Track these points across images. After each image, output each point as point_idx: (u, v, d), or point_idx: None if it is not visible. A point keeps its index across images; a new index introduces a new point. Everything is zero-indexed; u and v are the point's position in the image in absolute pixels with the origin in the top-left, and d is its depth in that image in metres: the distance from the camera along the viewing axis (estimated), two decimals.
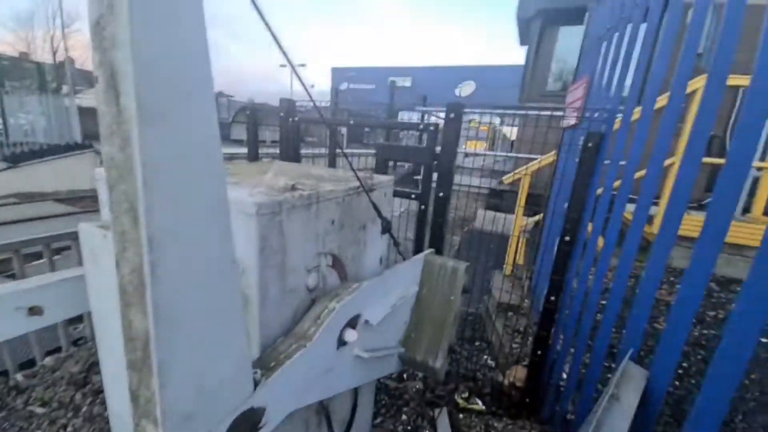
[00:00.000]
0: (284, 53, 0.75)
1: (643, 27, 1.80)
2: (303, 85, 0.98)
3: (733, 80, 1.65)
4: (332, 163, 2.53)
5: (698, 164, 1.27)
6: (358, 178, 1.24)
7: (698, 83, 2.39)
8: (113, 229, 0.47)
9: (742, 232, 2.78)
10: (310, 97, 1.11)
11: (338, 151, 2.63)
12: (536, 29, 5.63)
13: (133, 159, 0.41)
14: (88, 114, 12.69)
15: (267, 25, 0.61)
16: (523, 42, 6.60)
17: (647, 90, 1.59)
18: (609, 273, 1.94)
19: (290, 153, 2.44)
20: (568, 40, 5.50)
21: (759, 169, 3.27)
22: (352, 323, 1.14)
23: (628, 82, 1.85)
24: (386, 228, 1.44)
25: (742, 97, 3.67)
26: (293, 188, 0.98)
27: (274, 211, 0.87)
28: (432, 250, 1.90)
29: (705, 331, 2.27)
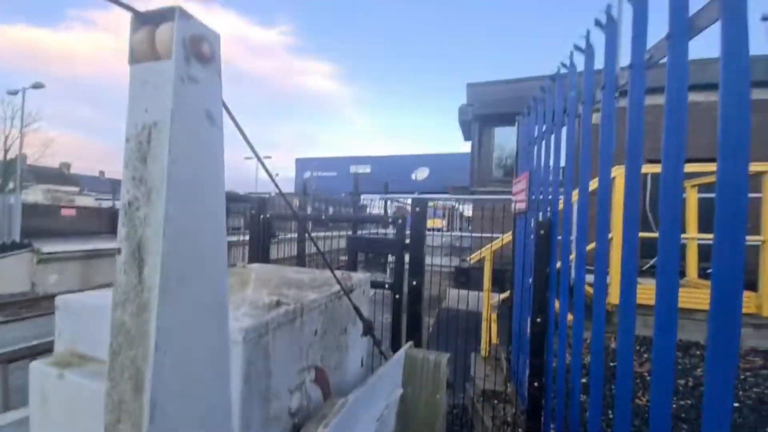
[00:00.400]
0: (251, 147, 0.79)
1: (564, 129, 2.21)
2: (272, 179, 1.01)
3: (645, 169, 2.02)
4: (302, 260, 2.53)
5: (636, 238, 1.48)
6: (339, 283, 1.27)
7: (618, 171, 2.87)
8: (107, 398, 0.45)
9: (686, 297, 3.05)
10: (281, 192, 1.12)
11: (313, 250, 2.67)
12: (476, 129, 6.67)
13: (149, 324, 0.42)
14: (32, 211, 11.87)
15: (237, 124, 0.65)
16: (466, 138, 7.69)
17: (581, 177, 1.89)
18: (584, 349, 1.99)
19: (260, 252, 2.42)
20: (504, 137, 6.61)
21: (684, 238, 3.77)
22: None
23: (561, 174, 2.19)
24: (368, 329, 1.42)
25: (650, 182, 4.40)
26: (278, 304, 0.98)
27: (261, 334, 0.85)
28: (411, 343, 1.86)
29: (681, 402, 2.30)
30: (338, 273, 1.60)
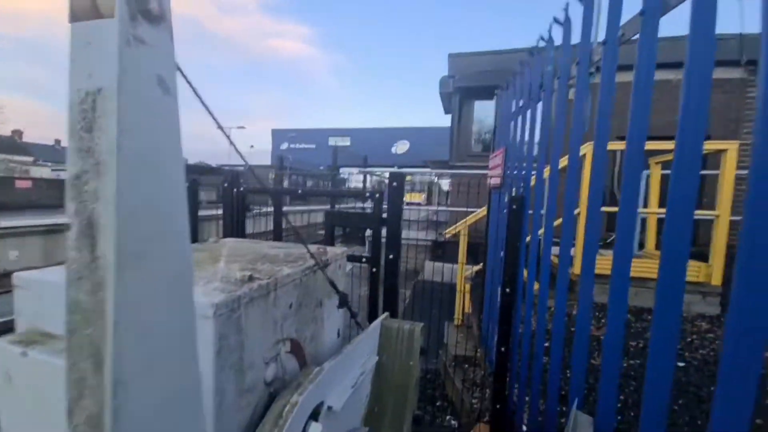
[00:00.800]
0: (213, 116, 0.76)
1: (540, 106, 2.23)
2: (236, 149, 0.97)
3: (612, 146, 2.09)
4: (278, 236, 2.51)
5: (599, 213, 1.56)
6: (314, 257, 1.27)
7: (587, 148, 2.95)
8: (67, 376, 0.44)
9: (641, 267, 3.28)
10: (248, 164, 1.08)
11: (289, 225, 2.63)
12: (456, 103, 6.62)
13: (105, 302, 0.41)
14: None
15: (195, 91, 0.61)
16: (446, 111, 7.63)
17: (552, 154, 1.94)
18: (548, 316, 2.13)
19: (235, 227, 2.37)
20: (483, 111, 6.60)
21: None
22: (315, 413, 1.09)
23: (536, 150, 2.24)
24: (343, 302, 1.45)
25: (620, 158, 4.56)
26: (251, 278, 0.98)
27: (233, 309, 0.85)
28: (387, 313, 1.92)
29: (632, 362, 2.53)
30: (313, 247, 1.60)
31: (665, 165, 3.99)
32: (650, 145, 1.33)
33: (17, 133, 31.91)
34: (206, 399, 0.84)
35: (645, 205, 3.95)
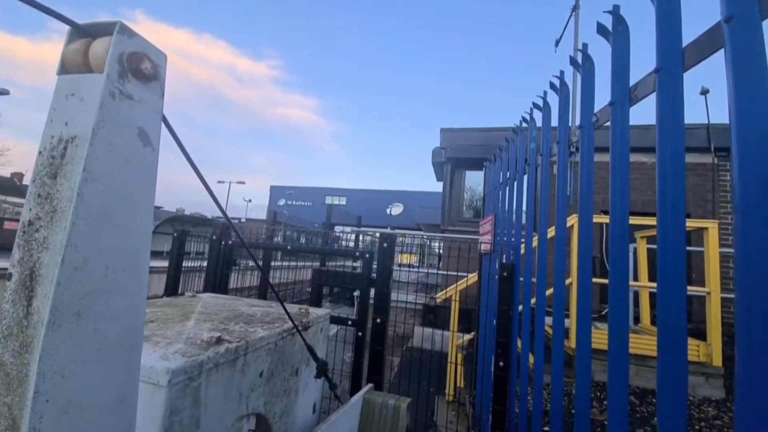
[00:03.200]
0: (195, 168, 0.71)
1: (526, 178, 2.33)
2: (216, 201, 0.94)
3: (598, 219, 2.14)
4: (263, 292, 2.41)
5: (590, 284, 1.52)
6: (291, 319, 1.19)
7: (573, 220, 3.03)
8: None
9: (640, 343, 3.15)
10: (225, 216, 1.04)
11: (278, 280, 2.55)
12: (448, 172, 6.99)
13: (29, 367, 0.36)
14: None
15: (179, 143, 0.57)
16: (438, 179, 8.00)
17: (539, 224, 1.96)
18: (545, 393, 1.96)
19: (218, 281, 2.28)
20: (473, 180, 6.96)
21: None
22: None
23: (524, 218, 2.28)
24: (321, 371, 1.32)
25: (605, 230, 4.68)
26: (219, 341, 0.90)
27: (191, 377, 0.76)
28: (371, 385, 1.75)
29: None
30: (295, 308, 1.52)
31: (650, 239, 4.07)
32: (633, 220, 1.36)
33: (17, 175, 32.29)
34: None
35: (635, 278, 3.93)
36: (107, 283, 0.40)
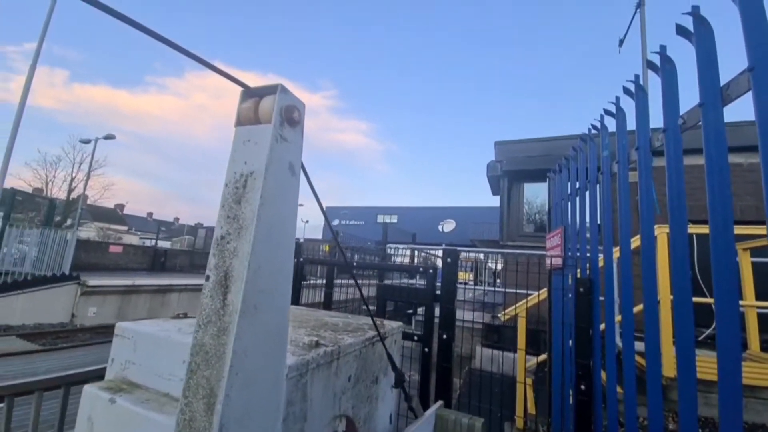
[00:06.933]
0: (316, 195, 0.86)
1: (598, 187, 2.21)
2: (330, 228, 1.08)
3: (693, 229, 1.94)
4: (328, 307, 2.56)
5: (690, 301, 1.38)
6: (376, 327, 1.27)
7: (659, 230, 2.76)
8: (178, 416, 0.49)
9: (750, 372, 2.70)
10: (337, 242, 1.22)
11: (338, 297, 2.69)
12: (505, 185, 6.81)
13: (226, 346, 0.47)
14: (84, 246, 12.83)
15: (307, 177, 0.69)
16: (494, 193, 7.80)
17: (621, 234, 1.83)
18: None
19: (293, 296, 2.48)
20: (533, 192, 6.67)
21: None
22: None
23: (598, 230, 2.15)
24: (399, 381, 1.38)
25: (696, 242, 4.15)
26: (317, 344, 1.00)
27: (302, 373, 0.87)
28: (441, 402, 1.75)
29: None
30: (368, 320, 1.60)
31: (755, 252, 3.52)
32: (735, 230, 1.23)
33: (119, 206, 38.19)
34: None
35: (740, 297, 3.41)
36: (271, 284, 0.52)
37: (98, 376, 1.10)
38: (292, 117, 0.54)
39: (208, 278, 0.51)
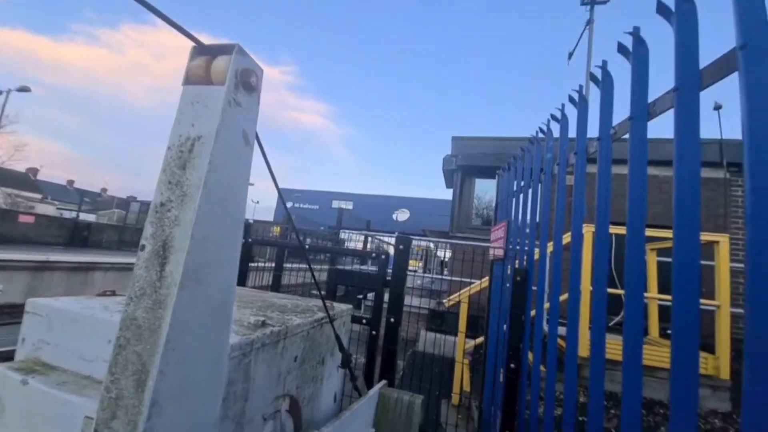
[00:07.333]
0: (271, 171, 0.84)
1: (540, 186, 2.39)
2: (284, 204, 1.05)
3: (613, 229, 2.19)
4: (276, 290, 2.50)
5: (606, 293, 1.57)
6: (327, 310, 1.27)
7: (586, 229, 3.08)
8: (103, 395, 0.45)
9: (650, 354, 3.16)
10: (292, 225, 1.18)
11: (287, 281, 2.63)
12: (458, 179, 7.10)
13: (162, 320, 0.44)
14: None
15: (261, 148, 0.67)
16: (448, 186, 8.11)
17: (554, 231, 2.02)
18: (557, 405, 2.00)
19: (238, 277, 2.37)
20: (484, 188, 7.06)
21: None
22: None
23: (536, 225, 2.34)
24: (346, 361, 1.40)
25: (614, 240, 4.71)
26: (263, 324, 0.98)
27: (245, 352, 0.84)
28: (385, 381, 1.82)
29: None
30: (318, 302, 1.60)
31: (660, 252, 4.09)
32: (646, 232, 1.41)
33: (32, 170, 33.15)
34: None
35: (645, 290, 3.96)
36: (216, 256, 0.49)
37: (5, 358, 0.97)
38: (248, 81, 0.51)
39: (143, 248, 0.47)
